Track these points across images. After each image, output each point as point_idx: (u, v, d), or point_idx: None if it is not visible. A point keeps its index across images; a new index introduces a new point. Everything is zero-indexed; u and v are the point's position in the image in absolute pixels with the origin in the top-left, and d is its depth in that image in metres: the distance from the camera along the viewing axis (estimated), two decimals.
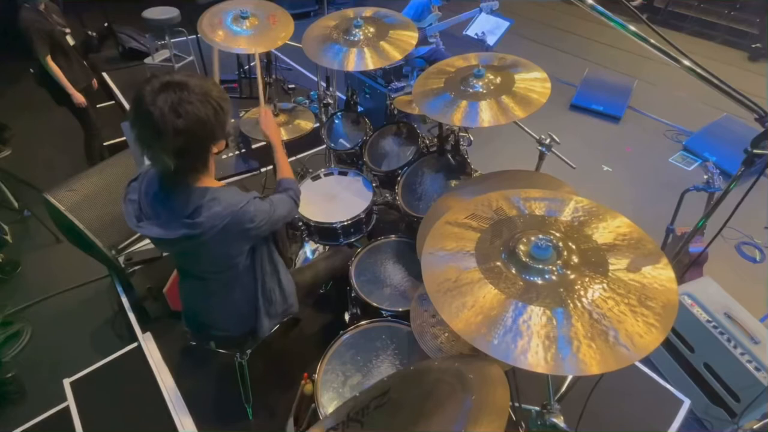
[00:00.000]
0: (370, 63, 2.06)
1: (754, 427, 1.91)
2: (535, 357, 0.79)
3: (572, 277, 0.91)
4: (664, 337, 0.79)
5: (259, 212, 1.26)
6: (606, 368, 0.77)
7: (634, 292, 0.86)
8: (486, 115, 1.58)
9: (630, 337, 0.79)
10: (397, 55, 2.07)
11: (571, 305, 0.86)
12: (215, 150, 1.22)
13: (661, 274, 0.89)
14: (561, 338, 0.81)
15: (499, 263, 0.97)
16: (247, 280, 1.45)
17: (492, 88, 1.68)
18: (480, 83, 1.70)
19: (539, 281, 0.92)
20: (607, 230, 1.01)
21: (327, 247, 2.25)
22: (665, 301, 0.84)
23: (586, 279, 0.90)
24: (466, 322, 0.86)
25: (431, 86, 1.79)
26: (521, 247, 0.97)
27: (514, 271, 0.95)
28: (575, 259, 0.95)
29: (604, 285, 0.89)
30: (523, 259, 0.95)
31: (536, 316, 0.85)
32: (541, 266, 0.94)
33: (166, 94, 1.05)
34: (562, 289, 0.89)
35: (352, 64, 2.06)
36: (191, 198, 1.18)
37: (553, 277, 0.92)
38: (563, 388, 1.71)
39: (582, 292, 0.88)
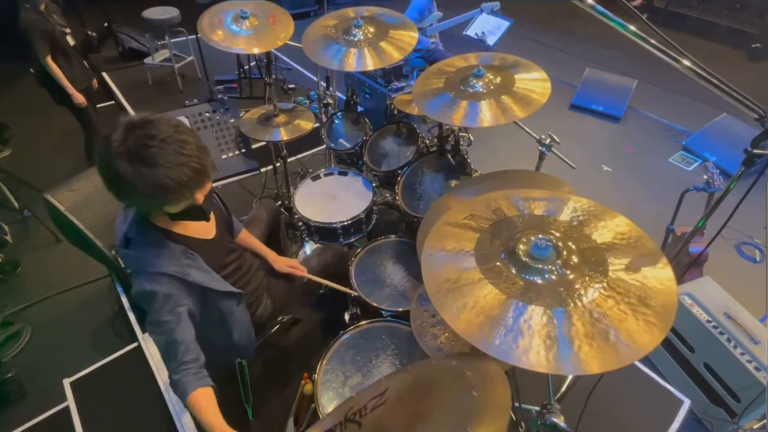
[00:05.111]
0: (370, 63, 2.06)
1: (754, 427, 1.91)
2: (536, 357, 0.79)
3: (572, 276, 0.91)
4: (664, 336, 0.79)
5: (143, 297, 1.17)
6: (606, 368, 0.76)
7: (634, 292, 0.86)
8: (486, 115, 1.58)
9: (630, 337, 0.79)
10: (397, 55, 2.07)
11: (572, 305, 0.86)
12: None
13: (660, 273, 0.89)
14: (562, 338, 0.81)
15: (499, 263, 0.97)
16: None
17: (492, 88, 1.68)
18: (480, 83, 1.70)
19: (539, 281, 0.92)
20: (606, 230, 1.01)
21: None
22: (665, 300, 0.84)
23: (586, 278, 0.90)
24: (467, 323, 0.86)
25: (431, 86, 1.79)
26: (521, 246, 0.97)
27: (514, 271, 0.95)
28: (575, 258, 0.95)
29: (604, 284, 0.89)
30: (523, 259, 0.95)
31: (537, 315, 0.85)
32: (540, 266, 0.94)
33: (128, 134, 1.03)
34: (562, 289, 0.89)
35: (351, 65, 2.06)
36: (134, 226, 1.21)
37: (553, 277, 0.92)
38: (563, 388, 1.72)
39: (582, 292, 0.88)
